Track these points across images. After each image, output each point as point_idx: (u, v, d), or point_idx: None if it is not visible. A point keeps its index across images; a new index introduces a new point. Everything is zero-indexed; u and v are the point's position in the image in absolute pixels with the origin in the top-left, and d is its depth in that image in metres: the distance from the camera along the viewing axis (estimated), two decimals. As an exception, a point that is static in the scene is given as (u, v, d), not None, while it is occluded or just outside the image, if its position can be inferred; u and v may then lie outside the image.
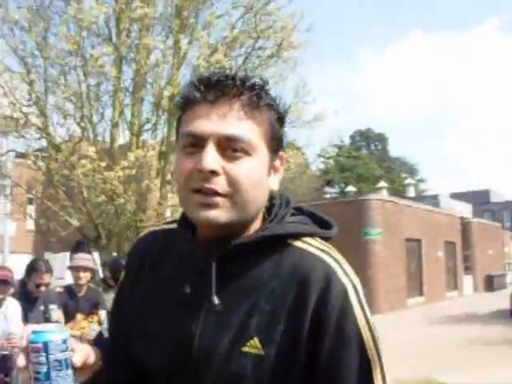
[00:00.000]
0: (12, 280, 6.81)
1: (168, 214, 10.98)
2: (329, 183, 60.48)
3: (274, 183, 1.48)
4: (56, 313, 6.71)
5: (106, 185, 9.43)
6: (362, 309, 1.41)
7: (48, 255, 30.12)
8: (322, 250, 1.46)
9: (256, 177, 1.39)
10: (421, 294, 30.48)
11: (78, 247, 9.99)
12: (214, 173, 1.35)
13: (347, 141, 65.74)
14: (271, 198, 1.51)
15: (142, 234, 1.77)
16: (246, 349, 1.39)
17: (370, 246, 26.84)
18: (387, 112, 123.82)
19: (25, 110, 10.83)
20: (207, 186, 1.36)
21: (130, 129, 11.04)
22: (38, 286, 6.84)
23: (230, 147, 1.36)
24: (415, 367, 11.63)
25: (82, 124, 10.90)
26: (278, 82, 11.11)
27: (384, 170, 60.69)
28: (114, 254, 10.66)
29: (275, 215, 1.50)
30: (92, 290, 7.41)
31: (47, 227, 12.59)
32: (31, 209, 15.37)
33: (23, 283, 7.18)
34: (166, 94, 9.63)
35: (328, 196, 46.23)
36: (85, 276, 7.12)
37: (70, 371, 1.40)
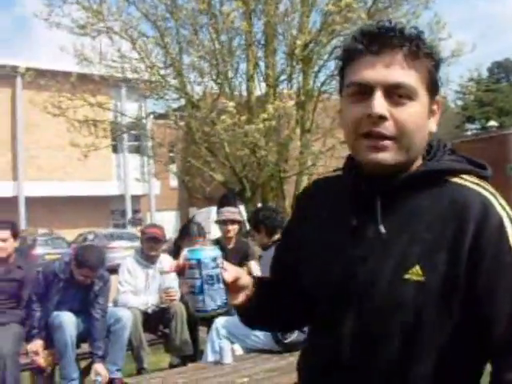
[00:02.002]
0: (163, 237, 7.10)
1: (309, 162, 11.05)
2: (469, 119, 58.70)
3: (432, 125, 1.60)
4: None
5: (247, 138, 9.56)
6: None
7: (193, 211, 31.02)
8: (479, 185, 1.56)
9: (419, 120, 1.53)
10: None
11: (224, 201, 10.25)
12: (382, 117, 1.49)
13: (485, 74, 63.11)
14: (429, 141, 1.64)
15: (308, 184, 2.02)
16: (407, 276, 1.49)
17: (517, 180, 25.88)
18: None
19: (162, 72, 11.11)
20: (376, 129, 1.51)
21: (266, 81, 11.11)
22: None
23: (395, 94, 1.50)
24: None
25: (219, 80, 11.06)
26: (410, 20, 10.79)
27: (527, 102, 57.98)
28: (259, 205, 10.85)
29: (434, 155, 1.63)
30: (241, 241, 7.61)
31: (192, 184, 12.95)
32: (174, 167, 15.85)
33: (176, 245, 7.46)
34: (299, 42, 9.61)
35: (469, 133, 44.88)
36: (233, 229, 7.33)
37: (221, 285, 1.61)
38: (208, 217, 20.95)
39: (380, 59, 1.51)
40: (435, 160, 1.62)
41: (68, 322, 5.77)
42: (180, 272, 1.65)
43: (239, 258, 7.40)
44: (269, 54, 11.00)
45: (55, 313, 5.88)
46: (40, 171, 34.86)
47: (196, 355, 6.64)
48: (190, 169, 13.42)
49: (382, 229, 1.54)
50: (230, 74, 11.34)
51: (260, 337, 5.54)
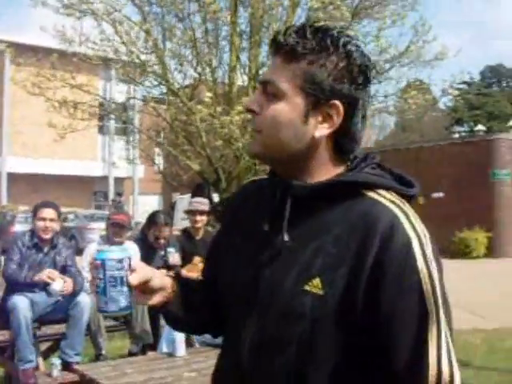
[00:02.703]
0: (129, 224, 7.10)
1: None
2: (458, 122, 58.85)
3: (319, 130, 1.55)
4: (173, 256, 6.95)
5: (223, 129, 9.54)
6: (426, 261, 1.44)
7: (175, 196, 31.02)
8: (394, 203, 1.52)
9: (281, 118, 1.54)
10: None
11: (198, 190, 10.25)
12: (250, 110, 1.60)
13: (477, 77, 63.24)
14: (355, 154, 1.63)
15: (244, 183, 2.00)
16: (307, 287, 1.48)
17: (499, 187, 25.94)
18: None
19: (143, 57, 11.07)
20: (252, 123, 1.64)
21: (248, 73, 11.08)
22: (157, 238, 7.10)
23: (265, 91, 1.57)
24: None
25: (199, 69, 11.03)
26: (396, 20, 10.78)
27: (516, 108, 58.12)
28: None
29: (355, 166, 1.60)
30: (209, 232, 7.61)
31: (170, 171, 12.96)
32: (157, 152, 15.86)
33: (143, 233, 7.47)
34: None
35: (457, 135, 44.96)
36: (201, 219, 7.35)
37: (124, 288, 1.60)
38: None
39: (271, 61, 1.63)
40: (356, 171, 1.59)
41: (22, 304, 5.77)
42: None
43: (207, 248, 7.40)
44: (252, 45, 10.96)
45: (10, 295, 5.88)
46: (24, 148, 34.77)
47: (156, 344, 6.64)
48: (168, 156, 13.41)
49: (286, 237, 1.53)
50: (214, 64, 11.31)
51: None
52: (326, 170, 1.59)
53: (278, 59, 1.57)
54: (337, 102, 1.53)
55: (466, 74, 51.03)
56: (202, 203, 7.58)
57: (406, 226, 1.46)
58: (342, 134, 1.57)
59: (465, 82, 55.41)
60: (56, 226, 6.27)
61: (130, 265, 1.62)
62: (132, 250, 6.87)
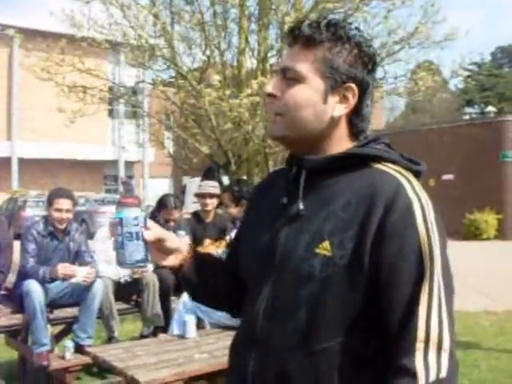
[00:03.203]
0: (139, 207, 7.14)
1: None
2: (469, 103, 58.63)
3: (337, 110, 1.69)
4: (183, 239, 6.97)
5: (232, 112, 9.53)
6: (426, 224, 1.54)
7: (186, 179, 31.07)
8: (399, 172, 1.65)
9: (303, 100, 1.67)
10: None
11: (208, 173, 10.26)
12: (271, 95, 1.72)
13: (488, 58, 62.82)
14: (367, 135, 1.76)
15: (265, 175, 2.24)
16: (317, 250, 1.60)
17: (509, 168, 25.82)
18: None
19: (152, 41, 11.05)
20: (269, 107, 1.75)
21: (256, 56, 11.04)
22: (167, 221, 7.14)
23: (286, 76, 1.70)
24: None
25: (208, 52, 11.01)
26: (405, 1, 10.67)
27: (528, 89, 57.75)
28: (245, 177, 10.85)
29: (364, 143, 1.74)
30: (220, 216, 7.64)
31: (180, 154, 12.98)
32: (167, 136, 15.88)
33: (153, 216, 7.50)
34: (289, 19, 9.51)
35: (467, 117, 44.81)
36: (211, 202, 7.38)
37: (140, 242, 1.76)
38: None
39: (289, 51, 1.74)
40: (365, 147, 1.72)
41: (35, 289, 5.82)
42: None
43: (217, 231, 7.45)
44: (261, 28, 10.91)
45: (25, 280, 5.94)
46: (35, 133, 34.88)
47: (167, 326, 6.69)
48: (178, 139, 13.42)
49: (301, 205, 1.67)
50: (223, 46, 11.27)
51: (226, 313, 5.58)
52: (340, 148, 1.71)
53: (296, 47, 1.70)
54: (352, 85, 1.68)
55: (476, 54, 50.84)
56: (212, 186, 7.60)
57: (409, 191, 1.58)
58: (356, 114, 1.71)
59: (475, 63, 55.14)
60: (71, 215, 6.31)
61: (145, 223, 1.78)
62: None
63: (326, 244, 1.58)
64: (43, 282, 5.98)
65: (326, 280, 1.56)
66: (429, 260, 1.51)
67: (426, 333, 1.49)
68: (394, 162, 1.69)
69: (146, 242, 1.76)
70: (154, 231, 1.78)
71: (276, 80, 1.73)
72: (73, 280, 6.04)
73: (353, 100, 1.69)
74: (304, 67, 1.67)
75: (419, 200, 1.57)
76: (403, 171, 1.65)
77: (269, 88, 1.72)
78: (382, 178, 1.62)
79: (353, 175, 1.66)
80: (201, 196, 7.51)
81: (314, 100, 1.68)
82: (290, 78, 1.68)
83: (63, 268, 6.02)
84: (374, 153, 1.69)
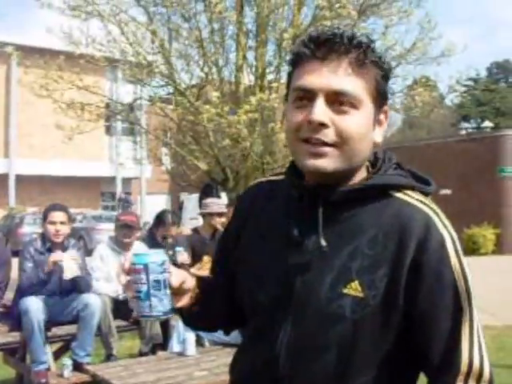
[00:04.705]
0: (138, 225, 7.12)
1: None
2: (465, 118, 58.79)
3: (378, 136, 1.61)
4: (182, 255, 6.96)
5: (230, 129, 9.54)
6: (459, 259, 1.51)
7: (183, 196, 30.99)
8: (422, 202, 1.57)
9: (362, 129, 1.52)
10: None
11: (206, 190, 10.25)
12: (322, 125, 1.49)
13: (484, 73, 63.06)
14: (375, 152, 1.67)
15: (250, 184, 1.96)
16: (345, 290, 1.51)
17: (506, 183, 25.88)
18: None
19: (150, 58, 11.09)
20: (316, 136, 1.50)
21: (254, 72, 11.07)
22: (165, 237, 7.12)
23: (337, 101, 1.50)
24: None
25: (206, 69, 11.04)
26: (402, 17, 10.76)
27: (524, 104, 57.94)
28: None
29: (379, 168, 1.64)
30: (219, 232, 7.62)
31: (177, 171, 13.00)
32: (165, 152, 15.89)
33: (151, 232, 7.49)
34: (287, 36, 9.57)
35: (463, 132, 44.86)
36: (221, 221, 7.39)
37: (168, 291, 1.60)
38: (196, 203, 20.92)
39: (325, 65, 1.51)
40: (380, 173, 1.62)
41: (34, 306, 5.80)
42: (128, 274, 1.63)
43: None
44: (259, 44, 10.95)
45: (23, 298, 5.91)
46: (32, 149, 34.89)
47: (166, 343, 6.67)
48: (176, 155, 13.43)
49: (323, 242, 1.54)
50: (221, 63, 11.31)
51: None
52: (361, 174, 1.62)
53: (340, 65, 1.51)
54: (386, 108, 1.62)
55: (472, 70, 50.99)
56: (219, 204, 7.61)
57: (439, 225, 1.52)
58: None
59: (471, 79, 55.26)
60: (67, 228, 6.27)
61: (169, 267, 1.63)
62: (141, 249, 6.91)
63: (356, 284, 1.50)
64: (43, 286, 5.96)
65: (357, 321, 1.50)
66: (466, 294, 1.50)
67: (468, 366, 1.47)
68: (411, 188, 1.61)
69: (171, 289, 1.63)
70: (177, 276, 1.66)
71: (322, 106, 1.50)
72: (66, 275, 5.97)
73: (385, 122, 1.63)
74: (361, 90, 1.52)
75: (449, 234, 1.53)
76: (425, 200, 1.58)
77: (320, 116, 1.49)
78: (409, 212, 1.54)
79: (373, 206, 1.57)
80: (209, 215, 7.49)
81: (369, 128, 1.57)
82: (344, 102, 1.50)
83: (51, 257, 5.98)
84: (393, 181, 1.60)
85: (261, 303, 1.67)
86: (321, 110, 1.48)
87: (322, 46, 1.51)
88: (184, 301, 1.73)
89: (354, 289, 1.50)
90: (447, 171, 26.03)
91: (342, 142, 1.50)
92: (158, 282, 1.58)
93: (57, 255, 5.98)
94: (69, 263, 5.94)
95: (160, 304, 1.59)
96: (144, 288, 1.58)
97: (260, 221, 1.74)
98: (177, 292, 1.67)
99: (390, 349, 1.52)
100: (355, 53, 1.50)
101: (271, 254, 1.66)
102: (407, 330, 1.51)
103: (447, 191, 26.25)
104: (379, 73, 1.55)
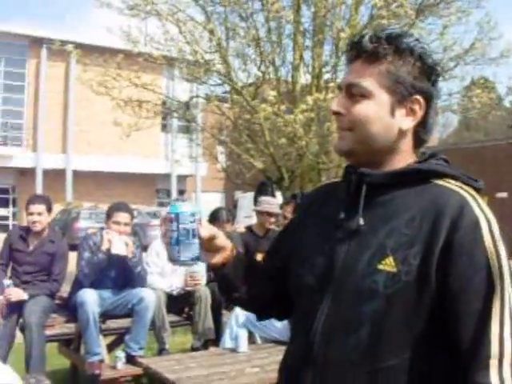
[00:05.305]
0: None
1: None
2: (523, 119, 57.72)
3: (404, 123, 1.69)
4: None
5: (286, 128, 9.54)
6: (494, 240, 1.53)
7: (238, 194, 31.11)
8: (461, 188, 1.63)
9: (370, 115, 1.67)
10: None
11: (261, 188, 10.28)
12: (338, 113, 1.71)
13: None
14: (423, 151, 1.77)
15: (317, 186, 2.12)
16: (380, 266, 1.57)
17: None
18: None
19: (207, 56, 11.16)
20: (337, 124, 1.74)
21: (311, 72, 11.05)
22: None
23: (352, 93, 1.69)
24: None
25: (262, 68, 11.05)
26: (461, 17, 10.62)
27: None
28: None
29: (424, 158, 1.75)
30: (273, 230, 7.65)
31: (233, 169, 13.05)
32: (220, 150, 15.97)
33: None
34: (343, 35, 9.53)
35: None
36: (271, 221, 7.41)
37: (196, 240, 1.76)
38: (251, 201, 20.94)
39: (350, 66, 1.74)
40: (426, 163, 1.72)
41: (90, 299, 5.89)
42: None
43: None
44: (315, 44, 10.93)
45: (80, 290, 6.02)
46: (89, 146, 35.41)
47: (219, 339, 6.71)
48: (232, 154, 13.49)
49: (361, 221, 1.65)
50: (277, 62, 11.32)
51: (278, 327, 5.59)
52: (403, 161, 1.71)
53: (358, 63, 1.71)
54: (419, 97, 1.69)
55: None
56: (273, 204, 7.63)
57: (474, 207, 1.56)
58: (421, 126, 1.72)
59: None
60: (129, 229, 6.38)
61: (200, 219, 1.78)
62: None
63: (390, 260, 1.56)
64: (100, 273, 6.14)
65: (390, 296, 1.54)
66: (498, 276, 1.50)
67: (499, 349, 1.47)
68: (454, 178, 1.67)
69: (200, 240, 1.77)
70: (208, 228, 1.80)
71: (340, 97, 1.73)
72: (113, 250, 6.11)
73: (420, 112, 1.69)
74: (369, 82, 1.67)
75: (485, 216, 1.55)
76: (465, 187, 1.63)
77: (334, 106, 1.72)
78: (446, 194, 1.60)
79: (414, 190, 1.64)
80: (260, 213, 7.54)
81: (382, 114, 1.68)
82: (355, 94, 1.68)
83: (105, 233, 6.12)
84: (436, 168, 1.68)
85: (305, 285, 1.74)
86: (337, 101, 1.73)
87: (351, 50, 1.74)
88: (216, 258, 1.87)
89: (388, 264, 1.56)
90: (504, 174, 25.60)
91: (353, 126, 1.68)
92: (186, 230, 1.74)
93: (110, 233, 6.12)
94: (117, 241, 6.07)
95: (187, 250, 1.75)
96: (174, 235, 1.74)
97: (319, 212, 1.85)
98: (208, 247, 1.82)
99: (423, 330, 1.54)
100: (366, 53, 1.68)
101: (318, 238, 1.77)
102: (440, 312, 1.53)
103: (504, 194, 25.83)
104: (396, 63, 1.68)
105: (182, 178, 39.44)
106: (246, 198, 26.43)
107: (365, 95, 1.67)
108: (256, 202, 8.40)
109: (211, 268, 1.93)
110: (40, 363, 5.90)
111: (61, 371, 6.82)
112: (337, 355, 1.60)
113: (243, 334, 5.41)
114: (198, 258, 1.77)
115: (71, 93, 35.08)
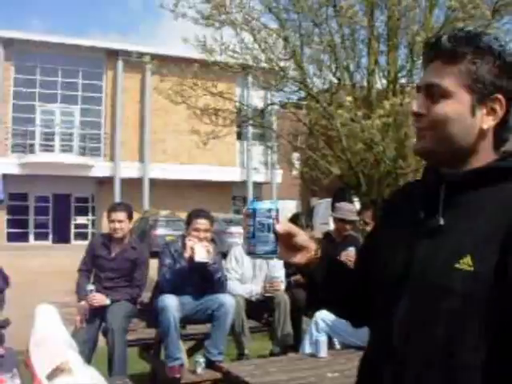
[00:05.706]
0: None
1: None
2: None
3: (485, 123, 1.68)
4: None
5: (363, 133, 9.47)
6: None
7: (314, 201, 31.04)
8: None
9: (450, 115, 1.67)
10: None
11: (339, 194, 10.26)
12: (418, 114, 1.72)
13: None
14: (506, 140, 1.75)
15: (398, 186, 2.12)
16: (458, 265, 1.56)
17: None
18: None
19: (282, 64, 11.18)
20: (416, 124, 1.74)
21: (387, 76, 10.93)
22: None
23: (431, 93, 1.70)
24: None
25: (338, 74, 11.00)
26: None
27: None
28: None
29: (504, 157, 1.72)
30: (351, 236, 7.64)
31: (310, 175, 13.02)
32: (296, 157, 15.96)
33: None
34: (419, 39, 9.39)
35: None
36: (347, 227, 7.39)
37: (271, 235, 1.80)
38: (327, 208, 20.89)
39: (429, 66, 1.75)
40: (503, 160, 1.71)
41: (171, 304, 5.99)
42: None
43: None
44: (390, 48, 10.81)
45: (161, 296, 6.12)
46: (165, 154, 35.95)
47: (298, 345, 6.72)
48: (308, 160, 13.46)
49: (441, 220, 1.66)
50: (352, 68, 11.24)
51: (358, 333, 5.56)
52: (482, 161, 1.70)
53: (437, 63, 1.71)
54: (500, 96, 1.67)
55: None
56: (350, 211, 7.62)
57: None
58: (502, 125, 1.70)
59: None
60: (209, 235, 6.46)
61: (277, 216, 1.83)
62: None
63: (468, 259, 1.55)
64: (182, 279, 6.27)
65: (467, 295, 1.53)
66: None
67: None
68: None
69: (276, 235, 1.81)
70: (285, 225, 1.83)
71: (420, 98, 1.73)
72: (196, 258, 6.20)
73: (501, 111, 1.68)
74: (450, 82, 1.67)
75: None
76: None
77: (414, 107, 1.73)
78: None
79: (493, 189, 1.64)
80: (339, 220, 7.54)
81: (462, 114, 1.67)
82: (435, 94, 1.69)
83: (187, 241, 6.28)
84: None
85: (385, 282, 1.76)
86: (417, 102, 1.73)
87: (429, 50, 1.76)
88: (297, 258, 1.88)
89: (465, 263, 1.55)
90: None
91: (433, 126, 1.68)
92: (263, 224, 1.80)
93: (192, 240, 6.20)
94: (200, 248, 6.14)
95: (263, 244, 1.80)
96: (251, 229, 1.81)
97: (399, 214, 1.86)
98: (287, 244, 1.84)
99: (500, 330, 1.51)
100: (445, 53, 1.69)
101: (399, 237, 1.78)
102: None
103: None
104: (476, 62, 1.66)
105: (257, 186, 39.55)
106: (322, 205, 26.43)
107: (445, 95, 1.68)
108: (333, 208, 8.38)
109: (296, 268, 1.93)
110: (122, 367, 6.04)
111: (141, 375, 6.94)
112: (414, 352, 1.61)
113: (323, 340, 5.40)
114: (273, 253, 1.82)
115: (147, 103, 35.70)
